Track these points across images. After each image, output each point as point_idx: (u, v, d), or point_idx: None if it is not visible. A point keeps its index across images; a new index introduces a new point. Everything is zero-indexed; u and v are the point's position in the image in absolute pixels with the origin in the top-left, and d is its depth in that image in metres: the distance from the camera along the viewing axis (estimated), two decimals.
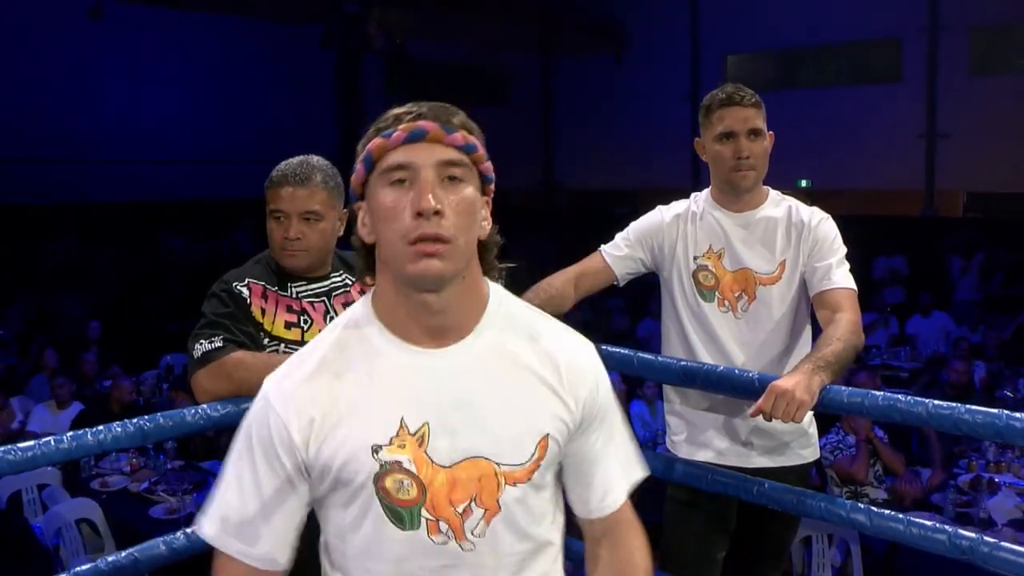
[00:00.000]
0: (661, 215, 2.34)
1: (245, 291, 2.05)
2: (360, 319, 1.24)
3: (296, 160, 2.10)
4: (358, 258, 1.25)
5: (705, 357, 2.24)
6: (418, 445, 1.18)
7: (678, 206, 2.34)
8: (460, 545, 1.21)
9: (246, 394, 1.87)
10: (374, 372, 1.20)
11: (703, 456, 2.28)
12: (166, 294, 11.05)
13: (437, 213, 1.13)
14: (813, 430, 2.33)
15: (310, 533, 1.30)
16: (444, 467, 1.19)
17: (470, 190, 1.18)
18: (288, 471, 1.21)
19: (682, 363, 2.14)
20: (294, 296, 2.11)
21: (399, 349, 1.20)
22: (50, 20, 12.43)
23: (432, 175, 1.15)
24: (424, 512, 1.19)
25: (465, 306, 1.21)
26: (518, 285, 2.48)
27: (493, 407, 1.20)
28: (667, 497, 2.37)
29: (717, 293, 2.24)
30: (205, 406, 1.82)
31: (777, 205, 2.26)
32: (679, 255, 2.28)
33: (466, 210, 1.16)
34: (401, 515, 1.19)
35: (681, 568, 2.28)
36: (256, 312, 2.03)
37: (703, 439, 2.29)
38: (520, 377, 1.22)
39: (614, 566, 1.34)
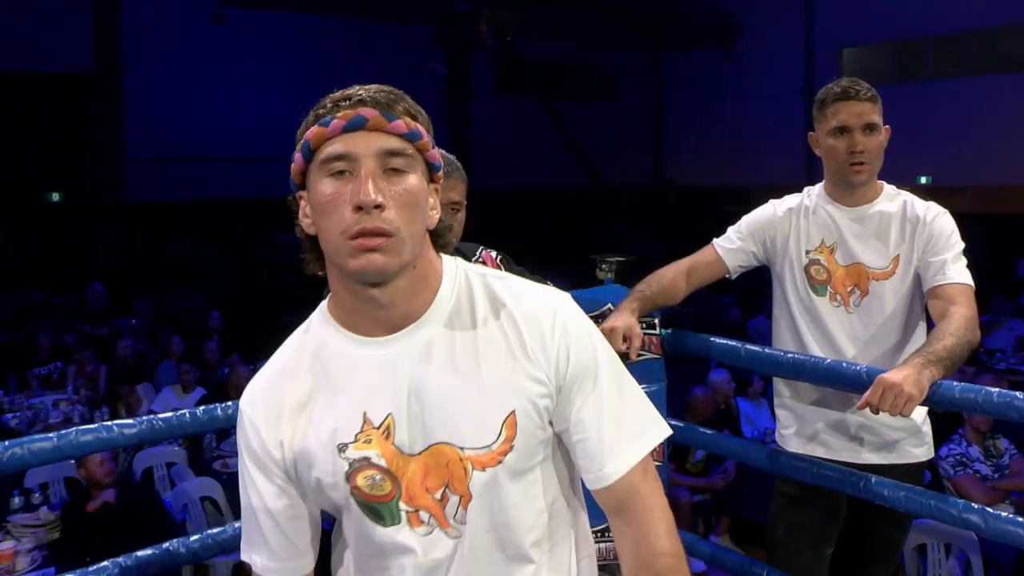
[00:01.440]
0: (774, 209, 2.33)
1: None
2: (316, 321, 1.23)
3: None
4: (304, 250, 1.20)
5: (816, 351, 2.21)
6: (384, 438, 1.15)
7: (791, 200, 2.33)
8: (446, 532, 1.17)
9: None
10: (331, 371, 1.18)
11: (812, 450, 2.26)
12: (281, 287, 11.52)
13: (378, 207, 1.07)
14: (927, 428, 2.27)
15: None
16: (413, 456, 1.15)
17: (414, 180, 1.12)
18: (278, 475, 1.20)
19: (790, 355, 2.13)
20: None
21: (353, 344, 1.17)
22: (174, 23, 13.10)
23: (373, 165, 1.09)
24: (402, 505, 1.16)
25: (414, 294, 1.16)
26: (628, 281, 2.50)
27: (451, 391, 1.14)
28: (774, 491, 2.36)
29: (829, 287, 2.22)
30: None
31: (892, 200, 2.22)
32: (791, 249, 2.27)
33: (410, 202, 1.11)
34: (380, 512, 1.17)
35: (786, 563, 2.27)
36: None
37: (812, 433, 2.27)
38: (480, 353, 1.16)
39: (631, 545, 1.22)
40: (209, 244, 13.07)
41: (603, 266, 2.72)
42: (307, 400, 1.18)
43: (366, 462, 1.15)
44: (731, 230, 2.37)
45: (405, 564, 1.18)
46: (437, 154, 1.18)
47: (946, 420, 4.58)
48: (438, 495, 1.16)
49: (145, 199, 12.69)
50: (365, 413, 1.15)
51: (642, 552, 1.21)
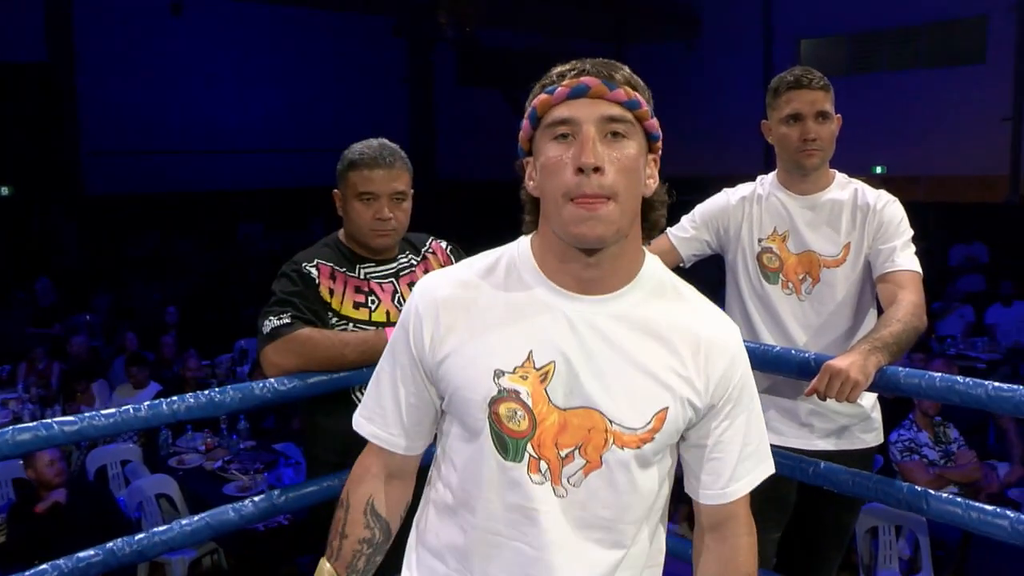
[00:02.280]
0: (727, 197, 2.34)
1: (314, 271, 2.12)
2: (516, 254, 1.27)
3: (375, 143, 2.17)
4: (525, 212, 1.27)
5: (768, 339, 2.24)
6: (540, 381, 1.19)
7: (743, 188, 2.34)
8: (554, 489, 1.21)
9: (314, 369, 1.96)
10: (516, 302, 1.22)
11: None
12: (244, 282, 11.39)
13: (597, 170, 1.13)
14: (876, 415, 2.30)
15: None
16: (559, 408, 1.20)
17: (633, 146, 1.17)
18: (417, 366, 1.27)
19: None
20: (363, 277, 2.18)
21: (545, 288, 1.22)
22: (134, 15, 12.87)
23: (594, 130, 1.15)
24: (529, 447, 1.20)
25: (619, 265, 1.21)
26: None
27: (621, 365, 1.19)
28: None
29: (781, 275, 2.24)
30: (272, 380, 1.90)
31: (843, 188, 2.24)
32: (744, 237, 2.29)
33: (628, 167, 1.16)
34: (507, 444, 1.21)
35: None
36: (324, 292, 2.11)
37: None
38: (655, 344, 1.21)
39: (718, 561, 1.32)
40: (170, 238, 12.88)
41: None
42: (480, 315, 1.23)
43: (514, 395, 1.20)
44: (685, 219, 2.38)
45: (507, 502, 1.22)
46: (656, 124, 1.23)
47: (897, 406, 4.66)
48: (564, 453, 1.20)
49: (102, 192, 12.46)
50: (531, 352, 1.20)
51: (729, 570, 1.31)
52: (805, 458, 2.09)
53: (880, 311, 2.15)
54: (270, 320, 2.01)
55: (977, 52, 14.12)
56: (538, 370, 1.20)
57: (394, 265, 2.24)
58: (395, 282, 2.21)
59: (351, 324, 2.11)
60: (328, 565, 1.33)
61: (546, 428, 1.20)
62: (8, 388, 6.84)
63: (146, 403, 1.69)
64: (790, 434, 2.26)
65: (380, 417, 1.32)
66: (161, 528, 1.74)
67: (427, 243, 2.35)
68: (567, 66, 1.20)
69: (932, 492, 1.85)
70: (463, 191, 13.84)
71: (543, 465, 1.21)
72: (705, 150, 16.61)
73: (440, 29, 14.16)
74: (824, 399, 1.83)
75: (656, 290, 1.25)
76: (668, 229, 2.38)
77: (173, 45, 13.36)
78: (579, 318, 1.20)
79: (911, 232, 2.16)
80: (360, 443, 2.09)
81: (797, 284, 2.23)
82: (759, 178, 2.35)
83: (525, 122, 1.22)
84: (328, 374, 1.98)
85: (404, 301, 2.20)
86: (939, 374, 1.79)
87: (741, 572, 1.31)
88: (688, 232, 2.35)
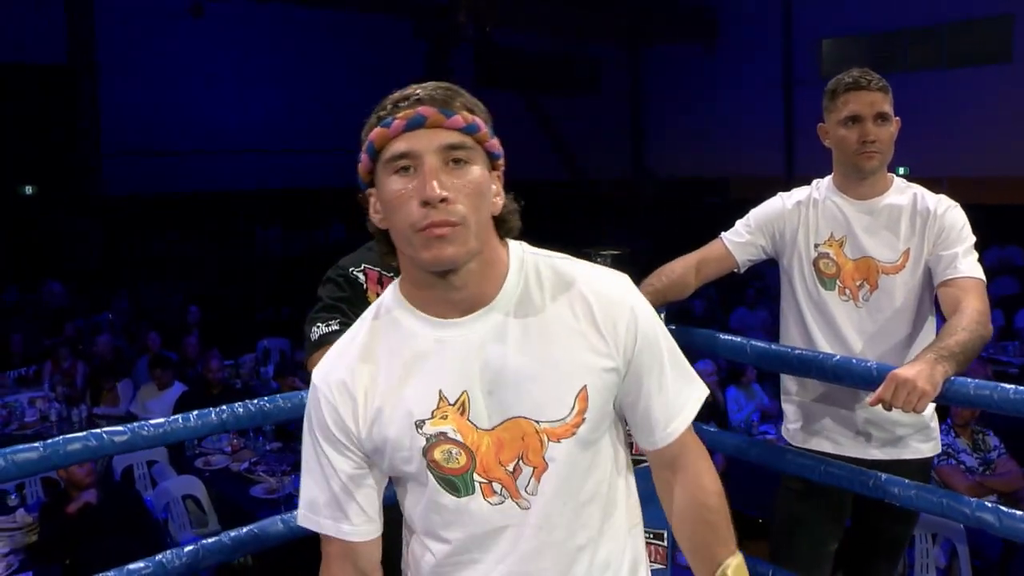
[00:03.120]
0: (782, 201, 2.29)
1: (361, 276, 2.07)
2: (390, 302, 1.28)
3: None
4: (377, 243, 1.27)
5: (824, 346, 2.18)
6: (460, 414, 1.21)
7: (799, 193, 2.29)
8: (517, 504, 1.24)
9: None
10: (407, 350, 1.23)
11: (818, 445, 2.24)
12: (262, 283, 11.40)
13: (443, 200, 1.13)
14: (935, 424, 2.25)
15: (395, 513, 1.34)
16: (488, 430, 1.22)
17: (476, 170, 1.18)
18: (351, 449, 1.26)
19: (797, 352, 2.09)
20: None
21: (428, 325, 1.23)
22: (155, 16, 12.91)
23: (435, 161, 1.15)
24: (476, 476, 1.23)
25: (485, 278, 1.22)
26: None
27: (525, 367, 1.21)
28: (781, 485, 2.33)
29: (838, 281, 2.19)
30: None
31: (902, 192, 2.19)
32: (800, 242, 2.23)
33: (474, 192, 1.16)
34: (455, 483, 1.23)
35: (791, 559, 2.24)
36: (372, 297, 2.05)
37: (818, 428, 2.25)
38: (550, 332, 1.22)
39: (684, 490, 1.34)
40: (189, 238, 12.91)
41: (597, 259, 2.67)
42: (383, 379, 1.24)
43: (443, 437, 1.21)
44: (739, 223, 2.33)
45: (475, 532, 1.25)
46: (496, 143, 1.24)
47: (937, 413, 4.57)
48: (511, 467, 1.23)
49: (122, 192, 12.51)
50: (441, 390, 1.22)
51: (696, 494, 1.33)
52: (864, 470, 2.04)
53: (939, 319, 2.10)
54: (318, 327, 1.96)
55: (1004, 51, 13.97)
56: (453, 405, 1.21)
57: None
58: None
59: None
60: None
61: (483, 454, 1.22)
62: (34, 386, 6.85)
63: (195, 413, 1.65)
64: (846, 443, 2.22)
65: (339, 512, 1.28)
66: (210, 540, 1.69)
67: None
68: (400, 95, 1.19)
69: (1004, 508, 1.79)
70: None
71: (496, 486, 1.23)
72: (723, 152, 16.55)
73: (459, 30, 14.14)
74: (889, 409, 1.77)
75: (533, 282, 1.25)
76: (723, 234, 2.33)
77: (195, 46, 13.41)
78: (469, 341, 1.22)
79: (973, 238, 2.10)
80: None
81: (855, 290, 2.18)
82: (815, 182, 2.30)
83: (363, 155, 1.21)
84: None
85: None
86: (1012, 386, 1.73)
87: (708, 490, 1.34)
88: (743, 237, 2.30)
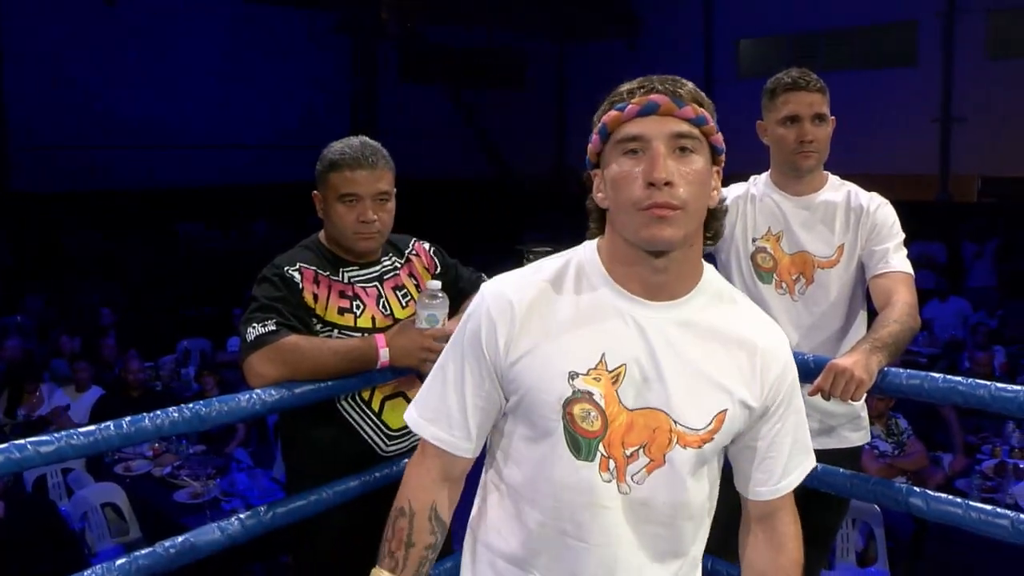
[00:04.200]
0: None
1: (297, 276, 2.02)
2: (584, 259, 1.31)
3: (356, 141, 2.07)
4: (590, 220, 1.33)
5: None
6: (612, 383, 1.24)
7: (737, 188, 2.34)
8: (619, 487, 1.26)
9: (300, 378, 1.86)
10: (588, 306, 1.27)
11: None
12: (185, 281, 11.07)
13: (668, 184, 1.18)
14: (864, 413, 2.32)
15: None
16: (628, 409, 1.25)
17: (700, 161, 1.22)
18: (488, 370, 1.29)
19: None
20: (346, 281, 2.09)
21: (615, 293, 1.27)
22: (64, 6, 12.39)
23: (664, 147, 1.20)
24: (601, 447, 1.25)
25: (685, 270, 1.27)
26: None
27: (686, 369, 1.25)
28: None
29: (775, 275, 2.25)
30: (259, 391, 1.80)
31: (837, 190, 2.26)
32: (737, 237, 2.28)
33: (696, 180, 1.21)
34: (580, 444, 1.26)
35: (725, 548, 2.26)
36: (308, 298, 2.01)
37: None
38: (717, 349, 1.27)
39: (771, 549, 1.39)
40: (106, 237, 12.43)
41: (530, 256, 2.68)
42: (555, 321, 1.26)
43: (588, 396, 1.24)
44: None
45: (576, 500, 1.27)
46: (721, 139, 1.27)
47: None
48: (629, 451, 1.26)
49: (31, 189, 11.96)
50: (604, 354, 1.25)
51: (779, 556, 1.39)
52: None
53: (871, 312, 2.16)
54: (254, 327, 1.90)
55: (909, 55, 14.53)
56: (610, 372, 1.25)
57: (378, 268, 2.15)
58: (379, 286, 2.13)
59: (336, 330, 2.02)
60: None
61: (615, 428, 1.25)
62: None
63: (127, 419, 1.58)
64: None
65: (445, 419, 1.33)
66: (144, 552, 1.62)
67: (410, 244, 2.27)
68: (635, 83, 1.25)
69: (932, 494, 1.85)
70: (405, 188, 13.64)
71: (611, 464, 1.26)
72: None
73: (382, 24, 13.98)
74: (828, 398, 1.82)
75: (716, 297, 1.30)
76: None
77: (106, 37, 12.91)
78: (648, 323, 1.25)
79: (903, 235, 2.19)
80: (344, 455, 2.02)
81: (791, 284, 2.23)
82: (752, 178, 2.35)
83: (595, 136, 1.27)
84: (316, 383, 1.88)
85: (389, 305, 2.13)
86: (941, 375, 1.79)
87: (792, 558, 1.39)
88: None
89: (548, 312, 1.27)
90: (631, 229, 1.21)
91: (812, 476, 1.99)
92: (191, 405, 1.66)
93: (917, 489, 1.89)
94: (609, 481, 1.26)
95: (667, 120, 1.21)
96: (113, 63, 13.08)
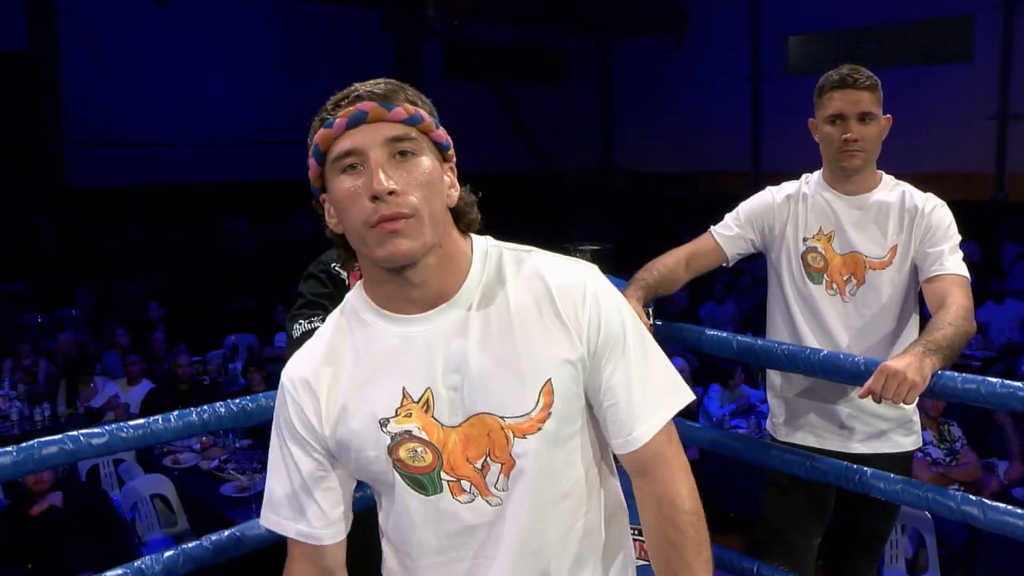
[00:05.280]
0: (772, 196, 2.29)
1: (344, 272, 2.04)
2: (355, 302, 1.26)
3: None
4: (336, 248, 1.25)
5: (810, 340, 2.20)
6: (424, 411, 1.19)
7: (789, 187, 2.30)
8: (487, 501, 1.22)
9: None
10: (371, 348, 1.22)
11: (802, 439, 2.25)
12: (228, 276, 11.24)
13: (392, 193, 1.12)
14: (916, 418, 2.27)
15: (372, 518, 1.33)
16: (453, 427, 1.20)
17: (425, 161, 1.16)
18: (315, 448, 1.25)
19: (784, 347, 2.08)
20: None
21: (389, 322, 1.21)
22: (118, 4, 12.65)
23: (381, 155, 1.13)
24: (443, 475, 1.21)
25: (446, 273, 1.20)
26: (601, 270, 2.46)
27: (488, 364, 1.19)
28: (764, 481, 2.33)
29: (825, 275, 2.20)
30: None
31: (891, 190, 2.21)
32: (788, 236, 2.24)
33: (424, 182, 1.15)
34: (422, 482, 1.21)
35: (775, 553, 2.25)
36: None
37: (803, 422, 2.27)
38: (513, 326, 1.20)
39: (654, 505, 1.27)
40: (155, 231, 12.68)
41: (576, 255, 2.66)
42: (348, 378, 1.22)
43: (407, 435, 1.20)
44: (728, 217, 2.33)
45: (447, 531, 1.23)
46: (443, 134, 1.21)
47: None
48: (479, 464, 1.20)
49: (84, 184, 12.23)
50: (404, 388, 1.20)
51: (664, 510, 1.25)
52: (850, 466, 2.04)
53: (923, 315, 2.11)
54: (300, 324, 1.92)
55: (964, 50, 14.19)
56: (417, 402, 1.20)
57: None
58: None
59: None
60: None
61: (450, 451, 1.20)
62: None
63: (175, 413, 1.61)
64: (829, 437, 2.24)
65: (299, 511, 1.27)
66: (191, 544, 1.65)
67: None
68: (341, 94, 1.18)
69: (988, 502, 1.80)
70: None
71: (465, 484, 1.21)
72: (691, 146, 16.62)
73: (427, 22, 14.04)
74: (879, 401, 1.78)
75: (495, 276, 1.23)
76: (712, 228, 2.34)
77: (157, 35, 13.15)
78: (432, 337, 1.20)
79: (959, 237, 2.13)
80: None
81: (841, 285, 2.19)
82: (804, 176, 2.30)
83: (311, 160, 1.19)
84: None
85: None
86: (999, 380, 1.74)
87: (678, 508, 1.25)
88: (732, 231, 2.30)
89: (342, 371, 1.23)
90: (368, 250, 1.15)
91: (864, 483, 1.98)
92: (237, 400, 1.68)
93: (973, 497, 1.84)
94: (470, 501, 1.21)
95: (379, 127, 1.14)
96: (163, 60, 13.32)
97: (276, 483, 1.28)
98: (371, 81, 1.18)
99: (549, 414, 1.20)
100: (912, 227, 2.14)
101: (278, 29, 14.31)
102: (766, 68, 16.02)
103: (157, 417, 1.57)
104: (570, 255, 2.76)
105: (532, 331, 1.20)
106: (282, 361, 1.94)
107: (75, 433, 1.47)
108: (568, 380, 1.21)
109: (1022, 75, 13.47)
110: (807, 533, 2.27)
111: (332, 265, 2.04)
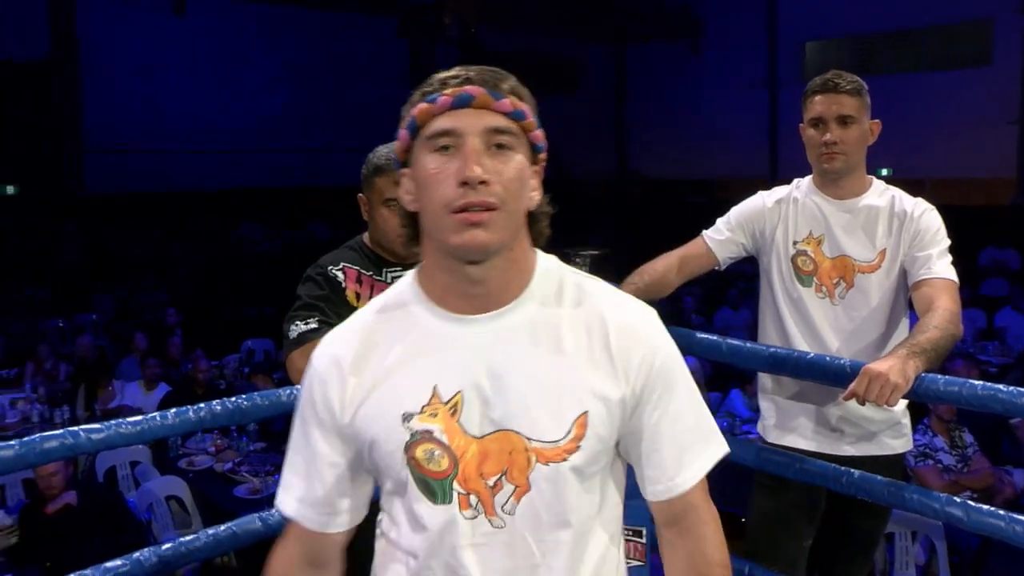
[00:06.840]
0: (763, 200, 2.32)
1: (340, 275, 2.08)
2: (404, 289, 1.22)
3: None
4: (401, 226, 1.21)
5: (800, 343, 2.21)
6: (450, 415, 1.14)
7: (779, 191, 2.32)
8: (490, 521, 1.15)
9: None
10: (410, 340, 1.17)
11: (791, 441, 2.26)
12: (243, 282, 11.34)
13: (483, 183, 1.08)
14: (906, 420, 2.28)
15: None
16: (476, 438, 1.14)
17: (519, 158, 1.12)
18: (332, 434, 1.20)
19: (771, 350, 2.11)
20: (389, 281, 2.13)
21: (437, 317, 1.17)
22: (137, 14, 12.83)
23: (479, 142, 1.09)
24: (456, 485, 1.15)
25: (508, 277, 1.16)
26: (602, 275, 2.48)
27: (528, 379, 1.14)
28: (755, 482, 2.35)
29: (815, 279, 2.22)
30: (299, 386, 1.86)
31: (880, 194, 2.23)
32: (779, 240, 2.27)
33: (514, 179, 1.11)
34: (432, 488, 1.15)
35: (765, 555, 2.26)
36: (351, 296, 2.07)
37: (793, 425, 2.27)
38: (562, 349, 1.15)
39: (685, 557, 1.23)
40: (172, 237, 12.84)
41: (576, 259, 2.69)
42: (380, 364, 1.18)
43: (428, 435, 1.14)
44: (720, 221, 2.35)
45: (444, 543, 1.16)
46: (541, 135, 1.18)
47: (912, 410, 4.60)
48: (491, 482, 1.15)
49: (104, 191, 12.42)
50: (436, 387, 1.15)
51: (697, 563, 1.22)
52: (839, 468, 2.06)
53: (913, 319, 2.13)
54: (296, 325, 1.97)
55: (983, 54, 14.10)
56: (446, 404, 1.14)
57: None
58: None
59: None
60: None
61: (468, 461, 1.14)
62: (15, 388, 6.81)
63: (172, 410, 1.66)
64: (819, 439, 2.25)
65: (307, 494, 1.23)
66: (188, 537, 1.70)
67: None
68: (450, 72, 1.14)
69: (972, 504, 1.82)
70: None
71: (473, 499, 1.15)
72: (708, 153, 16.61)
73: (443, 29, 14.14)
74: (863, 403, 1.80)
75: (554, 295, 1.18)
76: (704, 232, 2.36)
77: (176, 44, 13.33)
78: (476, 340, 1.15)
79: (948, 241, 2.14)
80: None
81: (831, 288, 2.21)
82: (795, 181, 2.33)
83: (403, 131, 1.15)
84: None
85: None
86: (980, 382, 1.76)
87: (711, 562, 1.22)
88: (723, 234, 2.32)
89: (374, 357, 1.18)
90: (442, 235, 1.11)
91: (852, 484, 2.00)
92: (232, 399, 1.73)
93: (957, 499, 1.86)
94: (474, 518, 1.15)
95: (482, 114, 1.10)
96: (181, 69, 13.50)
97: (288, 462, 1.25)
98: (484, 67, 1.15)
99: (578, 447, 1.14)
100: (901, 231, 2.16)
101: (293, 37, 14.45)
102: (783, 74, 15.99)
103: (154, 415, 1.63)
104: (569, 261, 2.79)
105: (580, 359, 1.15)
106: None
107: (75, 428, 1.53)
108: (605, 416, 1.15)
109: None
110: (797, 535, 2.28)
111: (329, 268, 2.09)
